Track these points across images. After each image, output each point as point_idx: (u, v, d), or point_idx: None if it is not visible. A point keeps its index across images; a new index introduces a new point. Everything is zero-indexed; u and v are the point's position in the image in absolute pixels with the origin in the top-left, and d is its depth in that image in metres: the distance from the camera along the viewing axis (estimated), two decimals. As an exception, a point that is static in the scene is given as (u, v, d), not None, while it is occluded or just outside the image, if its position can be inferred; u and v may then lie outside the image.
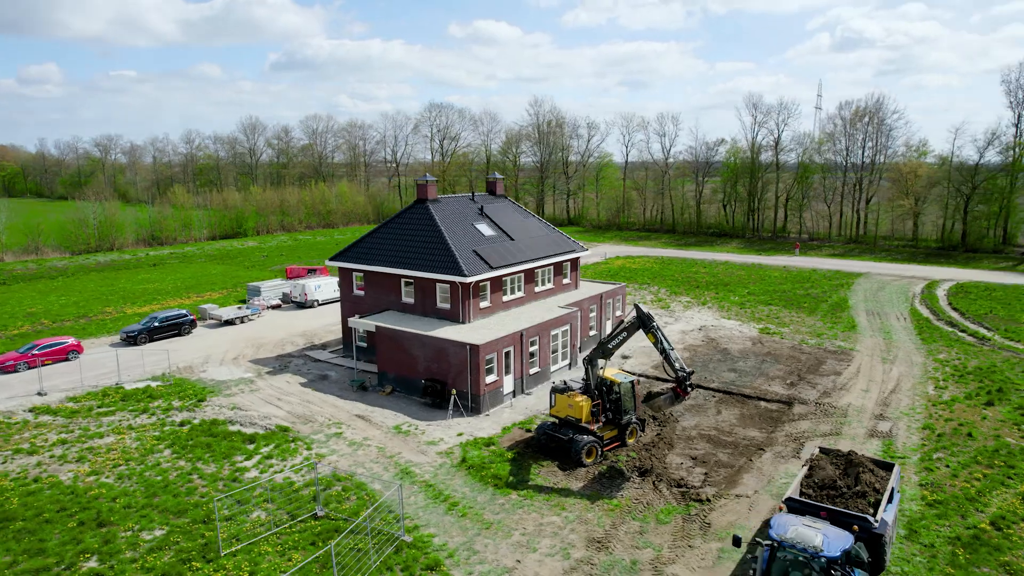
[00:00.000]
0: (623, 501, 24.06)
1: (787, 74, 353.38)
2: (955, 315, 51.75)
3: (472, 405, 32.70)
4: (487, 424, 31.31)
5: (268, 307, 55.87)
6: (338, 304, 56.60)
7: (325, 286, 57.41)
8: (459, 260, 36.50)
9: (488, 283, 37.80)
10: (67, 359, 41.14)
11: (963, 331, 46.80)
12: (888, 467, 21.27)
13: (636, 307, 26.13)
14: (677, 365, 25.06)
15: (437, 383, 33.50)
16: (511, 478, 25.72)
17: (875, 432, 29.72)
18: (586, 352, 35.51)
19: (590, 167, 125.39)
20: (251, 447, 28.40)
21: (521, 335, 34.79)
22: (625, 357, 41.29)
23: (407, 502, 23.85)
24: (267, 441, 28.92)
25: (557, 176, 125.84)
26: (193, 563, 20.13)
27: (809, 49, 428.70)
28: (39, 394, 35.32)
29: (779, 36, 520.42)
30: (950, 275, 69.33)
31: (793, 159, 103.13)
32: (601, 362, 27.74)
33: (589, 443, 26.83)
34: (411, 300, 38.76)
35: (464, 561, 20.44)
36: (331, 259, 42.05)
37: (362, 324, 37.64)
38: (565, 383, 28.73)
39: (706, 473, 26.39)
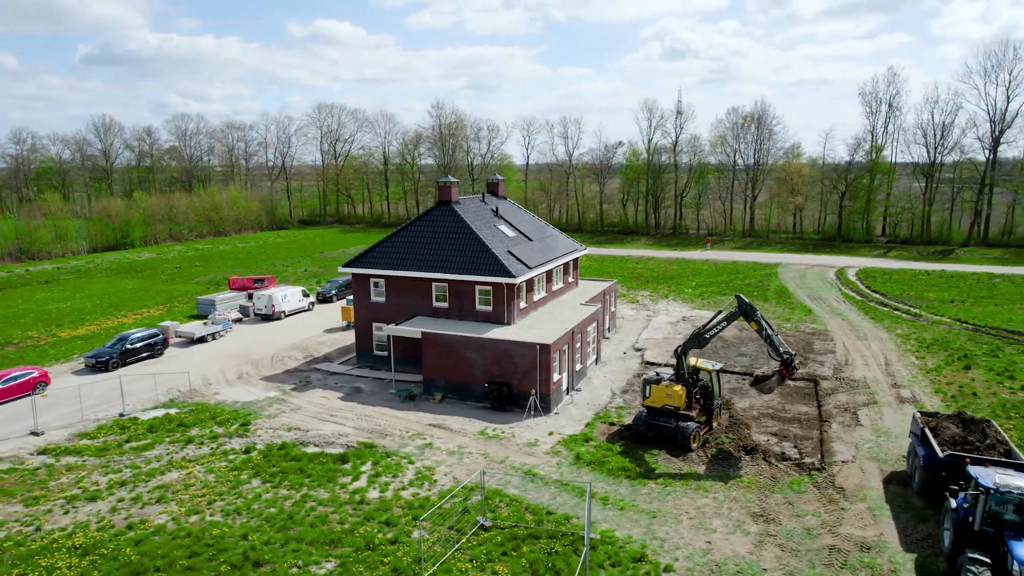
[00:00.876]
0: (751, 478, 25.67)
1: (624, 80, 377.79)
2: (879, 296, 59.32)
3: (542, 404, 32.82)
4: (564, 422, 31.62)
5: (230, 320, 51.44)
6: (303, 315, 53.81)
7: (290, 296, 53.91)
8: (503, 261, 36.34)
9: (525, 283, 37.95)
10: (34, 392, 35.61)
11: (896, 309, 53.86)
12: (987, 423, 24.70)
13: (738, 297, 27.93)
14: (782, 349, 27.15)
15: (502, 386, 33.19)
16: (637, 469, 26.41)
17: (903, 398, 33.83)
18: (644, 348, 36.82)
19: (492, 169, 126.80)
20: (347, 467, 26.62)
21: (572, 333, 35.40)
22: (638, 350, 43.15)
23: (557, 502, 23.78)
24: (361, 459, 27.20)
25: (461, 178, 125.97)
26: (397, 589, 18.89)
27: (642, 57, 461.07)
28: (33, 433, 30.39)
29: (616, 44, 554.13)
30: (847, 262, 78.85)
31: (685, 161, 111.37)
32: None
33: (695, 429, 28.21)
34: (444, 304, 37.86)
35: (661, 549, 20.95)
36: (346, 265, 39.89)
37: (403, 332, 36.21)
38: (657, 374, 29.89)
39: (795, 446, 28.76)
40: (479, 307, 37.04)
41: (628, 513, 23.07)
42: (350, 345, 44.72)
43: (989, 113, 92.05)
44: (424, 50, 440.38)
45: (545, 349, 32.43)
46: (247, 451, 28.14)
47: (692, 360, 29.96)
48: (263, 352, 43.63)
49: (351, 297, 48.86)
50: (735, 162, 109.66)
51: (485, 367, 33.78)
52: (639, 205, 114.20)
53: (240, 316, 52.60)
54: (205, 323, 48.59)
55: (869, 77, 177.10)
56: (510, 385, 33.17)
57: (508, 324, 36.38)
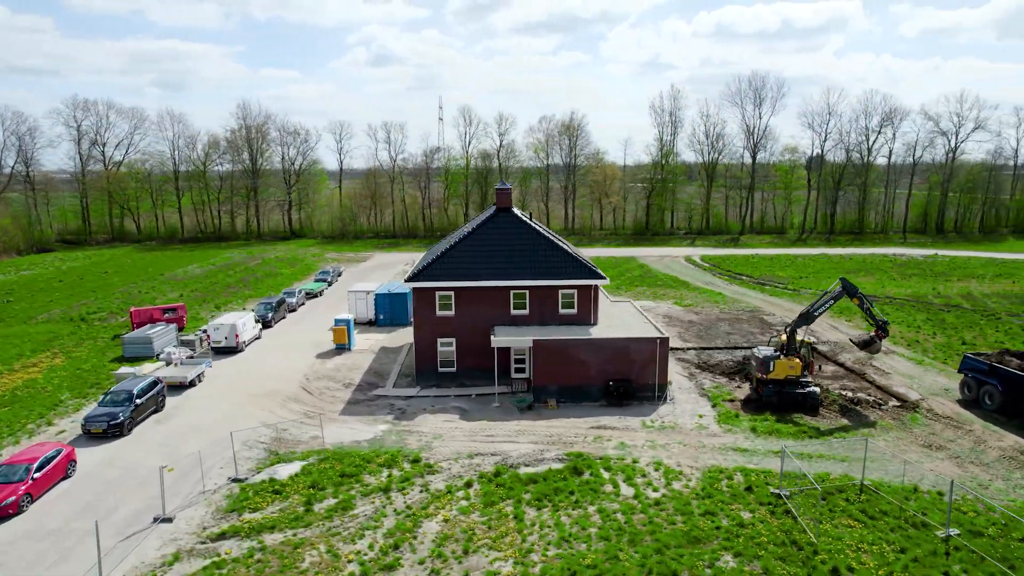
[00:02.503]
0: (884, 422, 31.89)
1: (334, 84, 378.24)
2: (747, 277, 72.08)
3: (659, 395, 35.33)
4: (691, 406, 34.52)
5: (181, 360, 43.01)
6: (257, 343, 47.41)
7: (248, 323, 46.79)
8: (588, 264, 37.71)
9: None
10: (68, 475, 27.16)
11: (773, 287, 66.40)
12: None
13: (843, 280, 33.93)
14: (879, 318, 33.91)
15: (624, 382, 34.85)
16: (808, 430, 30.82)
17: (885, 350, 43.55)
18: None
19: (307, 176, 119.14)
20: (588, 476, 26.41)
21: (657, 326, 38.37)
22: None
23: (814, 467, 27.13)
24: (590, 468, 27.05)
25: (276, 184, 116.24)
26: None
27: (349, 62, 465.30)
28: (164, 520, 23.80)
29: (321, 47, 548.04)
30: (676, 252, 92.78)
31: (513, 165, 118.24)
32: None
33: (819, 393, 33.60)
34: (524, 311, 37.73)
35: (913, 481, 25.71)
36: (409, 279, 37.05)
37: (514, 342, 35.37)
38: (774, 351, 34.57)
39: (869, 393, 35.90)
40: (563, 311, 37.85)
41: (854, 464, 27.39)
42: (377, 367, 41.40)
43: (748, 127, 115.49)
44: (96, 39, 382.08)
45: (664, 342, 35.05)
46: (468, 484, 25.98)
47: (799, 336, 35.31)
48: (284, 388, 38.09)
49: (340, 317, 45.08)
50: (547, 166, 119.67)
51: (602, 366, 35.05)
52: (468, 210, 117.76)
53: (190, 352, 44.19)
54: (179, 365, 40.34)
55: (656, 93, 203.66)
56: (631, 380, 35.03)
57: (594, 324, 37.90)
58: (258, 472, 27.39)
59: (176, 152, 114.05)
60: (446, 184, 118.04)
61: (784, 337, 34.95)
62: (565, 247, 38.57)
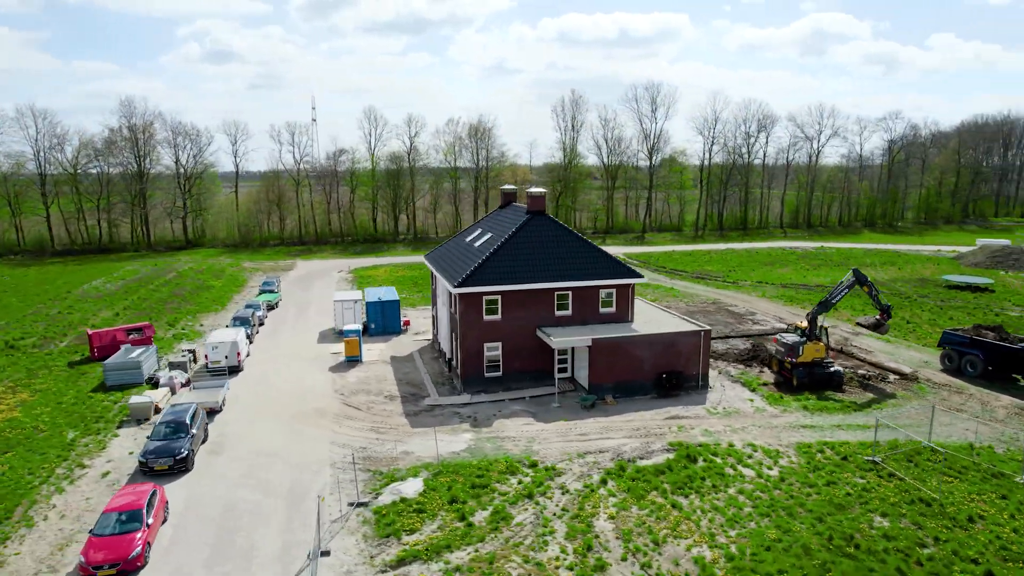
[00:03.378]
0: (902, 393, 36.58)
1: (163, 80, 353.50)
2: (683, 272, 77.49)
3: (701, 384, 37.80)
4: (733, 394, 37.28)
5: (181, 384, 39.13)
6: (248, 359, 44.29)
7: (243, 340, 43.30)
8: (626, 264, 39.29)
9: (625, 283, 41.15)
10: (165, 519, 24.32)
11: (713, 280, 72.10)
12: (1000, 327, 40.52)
13: (855, 271, 38.25)
14: (884, 303, 38.69)
15: (673, 374, 36.89)
16: (852, 405, 34.65)
17: (854, 331, 49.29)
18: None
19: (207, 178, 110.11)
20: (749, 470, 28.12)
21: (691, 320, 40.84)
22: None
23: (884, 436, 30.59)
24: (733, 455, 28.75)
25: (168, 188, 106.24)
26: None
27: (182, 57, 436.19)
28: (323, 554, 22.20)
29: (147, 40, 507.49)
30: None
31: (424, 166, 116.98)
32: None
33: (843, 372, 37.73)
34: (567, 312, 38.56)
35: (975, 441, 30.11)
36: (459, 285, 36.42)
37: (575, 342, 35.99)
38: (799, 337, 38.21)
39: (868, 370, 40.76)
40: (602, 310, 39.18)
41: (909, 429, 31.39)
42: (404, 378, 40.36)
43: (644, 131, 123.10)
44: None
45: (707, 334, 37.57)
46: (603, 481, 26.60)
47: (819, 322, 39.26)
48: (325, 405, 36.06)
49: (350, 328, 43.51)
50: (454, 167, 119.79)
51: (653, 360, 36.86)
52: (378, 213, 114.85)
53: (186, 375, 40.19)
54: (172, 389, 36.89)
55: (558, 97, 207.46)
56: (681, 372, 37.17)
57: (631, 321, 39.61)
58: (377, 494, 26.11)
59: (42, 153, 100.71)
60: (352, 188, 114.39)
61: (803, 324, 38.81)
62: (603, 249, 39.96)
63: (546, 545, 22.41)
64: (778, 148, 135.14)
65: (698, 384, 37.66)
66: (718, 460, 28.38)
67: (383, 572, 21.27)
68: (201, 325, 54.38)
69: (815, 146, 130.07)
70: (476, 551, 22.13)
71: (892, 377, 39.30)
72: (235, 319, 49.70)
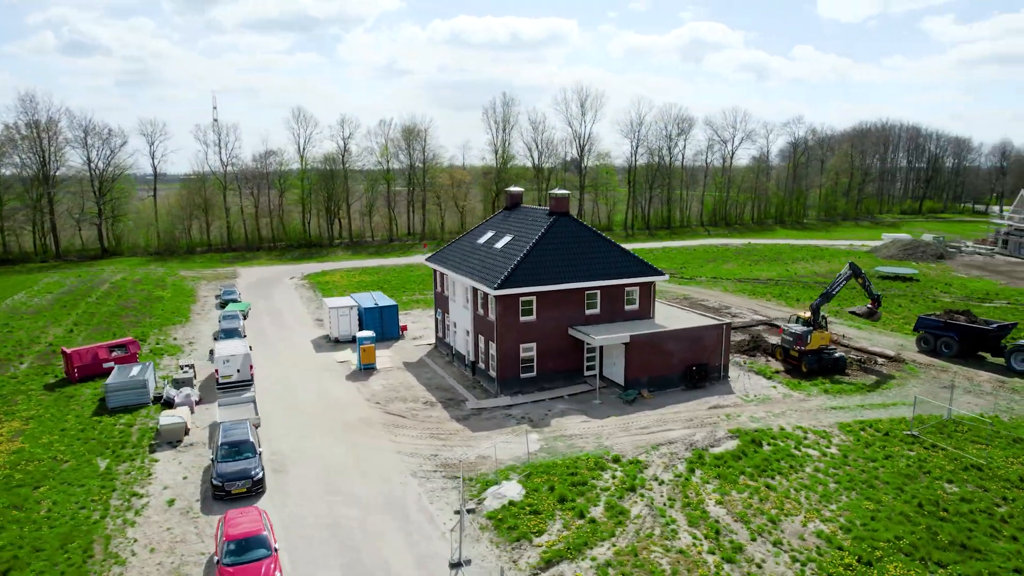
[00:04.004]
0: (897, 374, 40.33)
1: (9, 71, 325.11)
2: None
3: (723, 375, 39.90)
4: (752, 382, 39.67)
5: (196, 402, 36.57)
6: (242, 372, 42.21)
7: (250, 354, 40.86)
8: (648, 263, 40.72)
9: (640, 281, 42.55)
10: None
11: (672, 276, 75.45)
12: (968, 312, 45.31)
13: (851, 264, 41.67)
14: (875, 292, 42.45)
15: (701, 366, 38.70)
16: (862, 386, 37.85)
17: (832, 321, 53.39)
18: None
19: (124, 181, 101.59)
20: (810, 450, 29.95)
21: (708, 314, 42.87)
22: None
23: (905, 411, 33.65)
24: (790, 439, 30.57)
25: (75, 192, 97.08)
26: None
27: (35, 47, 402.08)
28: (465, 563, 21.88)
29: None
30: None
31: (359, 168, 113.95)
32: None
33: (845, 357, 41.06)
34: (595, 311, 39.44)
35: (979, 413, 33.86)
36: (499, 287, 36.33)
37: (614, 339, 36.81)
38: (805, 327, 41.16)
39: (858, 354, 44.55)
40: (627, 307, 40.41)
41: (922, 406, 34.81)
42: (430, 384, 39.85)
43: (574, 134, 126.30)
44: None
45: (728, 327, 39.71)
46: (691, 470, 27.74)
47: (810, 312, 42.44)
48: (367, 414, 34.98)
49: (364, 335, 42.43)
50: (388, 169, 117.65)
51: (682, 354, 38.53)
52: (311, 217, 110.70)
53: (197, 394, 37.56)
54: (189, 407, 34.55)
55: (488, 100, 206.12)
56: (707, 364, 39.07)
57: (652, 318, 41.13)
58: (480, 500, 25.89)
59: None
60: (281, 191, 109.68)
61: (805, 314, 41.92)
62: (629, 250, 41.24)
63: (676, 534, 23.24)
64: (696, 150, 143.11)
65: (720, 375, 39.76)
66: (780, 443, 30.30)
67: (535, 574, 21.29)
68: (175, 339, 50.69)
69: (729, 148, 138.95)
70: (614, 545, 22.60)
71: (880, 360, 43.22)
72: (224, 331, 46.80)
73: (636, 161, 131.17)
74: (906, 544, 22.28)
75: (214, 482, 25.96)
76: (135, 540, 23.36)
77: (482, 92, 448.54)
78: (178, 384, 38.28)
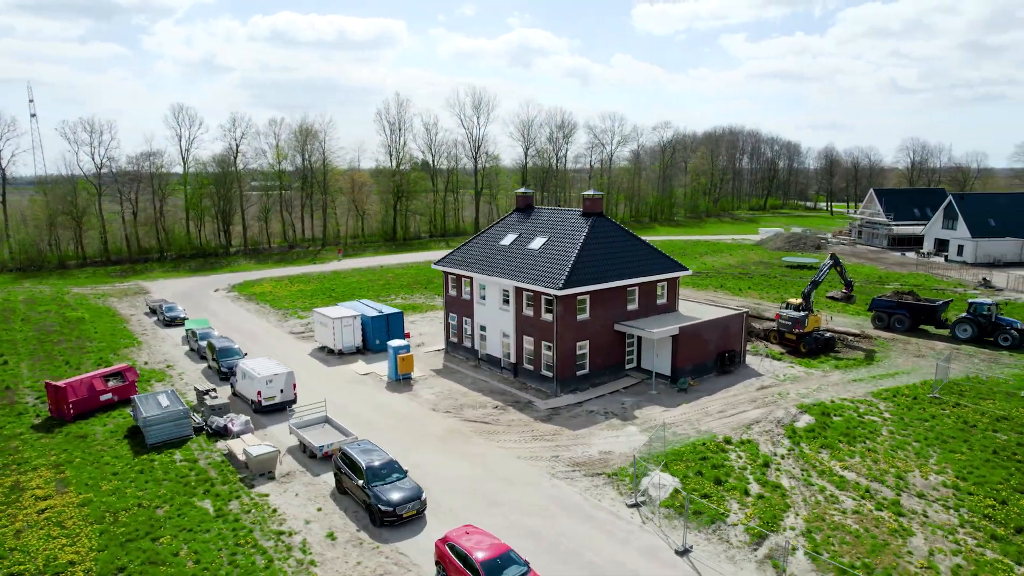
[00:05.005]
0: (876, 349, 46.58)
1: None
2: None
3: (740, 360, 43.64)
4: (770, 364, 43.87)
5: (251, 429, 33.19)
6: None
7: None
8: (674, 260, 43.30)
9: (658, 277, 45.02)
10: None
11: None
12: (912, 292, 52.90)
13: (832, 255, 47.33)
14: (848, 279, 48.57)
15: (729, 353, 42.09)
16: (858, 361, 43.38)
17: (834, 297, 59.64)
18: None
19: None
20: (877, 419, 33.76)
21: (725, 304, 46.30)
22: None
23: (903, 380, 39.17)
24: (847, 409, 34.29)
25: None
26: None
27: None
28: (686, 551, 22.76)
29: None
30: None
31: (253, 169, 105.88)
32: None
33: (835, 337, 46.63)
34: (635, 306, 41.31)
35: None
36: (563, 287, 36.79)
37: (668, 332, 38.71)
38: (799, 312, 46.09)
39: (838, 332, 50.67)
40: (658, 301, 42.75)
41: (916, 374, 40.82)
42: (482, 388, 39.51)
43: (469, 135, 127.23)
44: None
45: (746, 316, 43.49)
46: (796, 444, 30.57)
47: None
48: (450, 424, 34.04)
49: (398, 344, 41.13)
50: (279, 172, 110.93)
51: (715, 342, 41.65)
52: (205, 224, 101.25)
53: (244, 418, 34.03)
54: (241, 434, 31.51)
55: (382, 101, 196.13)
56: (733, 350, 42.52)
57: (678, 311, 43.85)
58: (643, 492, 26.69)
59: None
60: (162, 197, 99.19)
61: (795, 301, 47.05)
62: (656, 248, 43.56)
63: (837, 498, 25.81)
64: (576, 153, 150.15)
65: (741, 360, 43.49)
66: (844, 414, 34.24)
67: (754, 549, 22.73)
68: (145, 363, 44.91)
69: (608, 151, 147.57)
70: (797, 515, 24.65)
71: (850, 338, 49.59)
72: (222, 350, 42.41)
73: (527, 163, 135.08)
74: (1016, 483, 26.71)
75: (382, 507, 24.24)
76: (331, 579, 21.42)
77: (310, 92, 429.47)
78: (217, 411, 34.42)
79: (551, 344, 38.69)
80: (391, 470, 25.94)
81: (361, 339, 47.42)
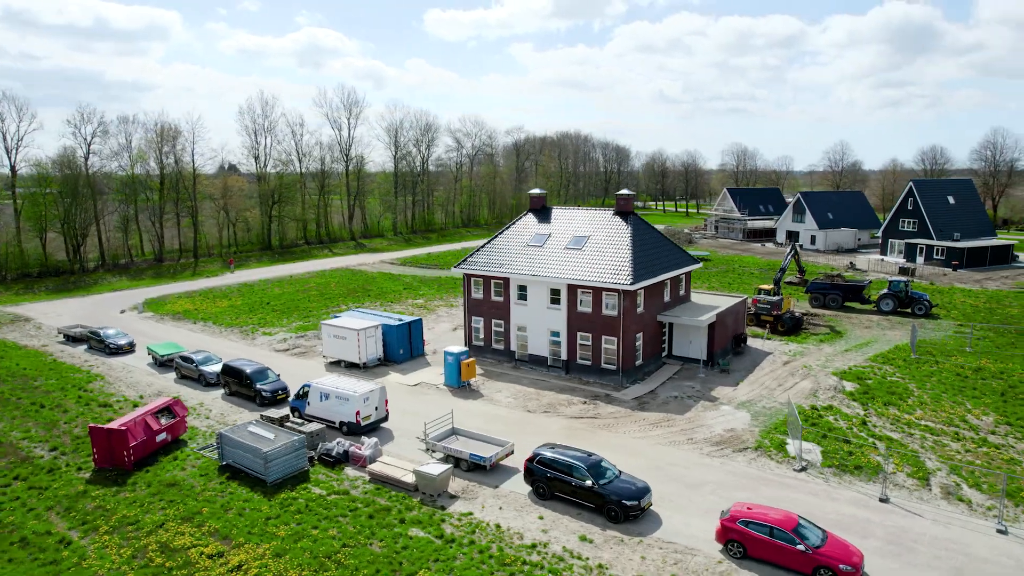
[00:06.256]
0: (841, 325, 54.57)
1: None
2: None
3: (746, 341, 48.79)
4: (764, 343, 49.50)
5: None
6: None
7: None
8: (691, 254, 46.96)
9: (666, 271, 48.45)
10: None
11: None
12: (839, 275, 61.88)
13: (793, 244, 54.40)
14: (802, 266, 56.12)
15: (740, 335, 46.95)
16: (830, 336, 50.73)
17: (792, 282, 66.45)
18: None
19: None
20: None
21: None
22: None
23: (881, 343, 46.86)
24: (868, 378, 40.15)
25: None
26: None
27: None
28: (884, 499, 26.11)
29: None
30: (356, 261, 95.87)
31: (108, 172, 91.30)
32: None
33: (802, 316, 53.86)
34: (667, 298, 44.32)
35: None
36: (632, 283, 38.44)
37: (707, 320, 42.00)
38: (775, 296, 52.48)
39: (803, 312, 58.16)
40: (680, 293, 46.22)
41: (881, 343, 48.95)
42: (548, 388, 40.06)
43: (338, 137, 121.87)
44: None
45: (746, 300, 48.66)
46: (864, 406, 35.72)
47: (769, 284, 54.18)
48: (552, 425, 34.27)
49: (455, 351, 40.36)
50: (132, 175, 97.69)
51: (733, 326, 46.20)
52: (46, 237, 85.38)
53: (376, 444, 31.18)
54: (372, 458, 29.71)
55: (244, 100, 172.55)
56: (743, 332, 47.40)
57: (690, 300, 47.71)
58: (802, 458, 29.72)
59: None
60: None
61: (766, 286, 53.62)
62: (675, 244, 46.89)
63: (943, 443, 30.99)
64: (436, 156, 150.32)
65: (743, 339, 48.67)
66: (871, 378, 40.41)
67: (928, 490, 26.80)
68: (141, 397, 38.38)
69: (467, 153, 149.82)
70: (939, 455, 29.29)
71: (807, 316, 57.42)
72: (255, 373, 37.86)
73: (397, 166, 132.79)
74: (1042, 415, 34.16)
75: (626, 503, 24.42)
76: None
77: (61, 85, 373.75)
78: (315, 437, 31.09)
79: (614, 338, 40.32)
80: (607, 468, 26.12)
81: (382, 350, 44.89)
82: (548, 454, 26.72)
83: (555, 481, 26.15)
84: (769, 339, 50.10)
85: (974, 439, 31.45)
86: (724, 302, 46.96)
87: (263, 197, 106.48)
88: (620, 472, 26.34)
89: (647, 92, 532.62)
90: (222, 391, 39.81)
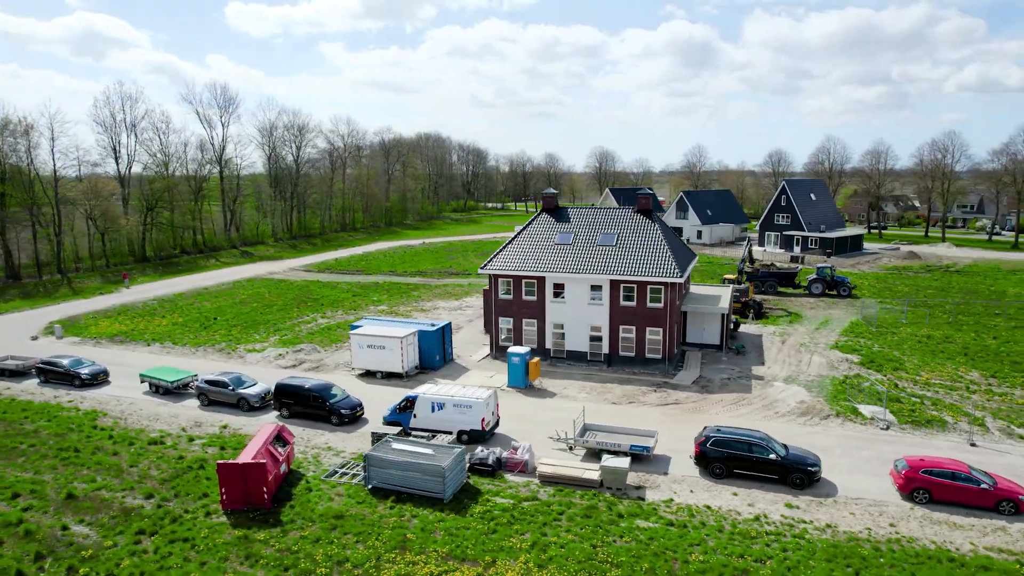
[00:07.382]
0: (791, 308, 61.57)
1: None
2: (411, 273, 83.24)
3: (737, 325, 53.64)
4: (744, 326, 54.75)
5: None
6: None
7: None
8: (692, 251, 50.70)
9: (664, 265, 51.73)
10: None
11: (438, 273, 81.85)
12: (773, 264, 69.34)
13: (748, 239, 60.56)
14: (754, 259, 62.61)
15: (737, 322, 51.72)
16: (797, 317, 57.48)
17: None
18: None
19: None
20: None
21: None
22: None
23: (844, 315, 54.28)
24: (873, 346, 46.39)
25: None
26: None
27: None
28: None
29: None
30: (245, 271, 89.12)
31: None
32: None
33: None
34: (686, 289, 47.63)
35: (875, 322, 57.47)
36: (681, 275, 40.95)
37: (720, 308, 45.77)
38: (742, 285, 58.24)
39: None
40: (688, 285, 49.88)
41: (842, 318, 56.53)
42: (616, 382, 41.50)
43: (211, 138, 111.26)
44: None
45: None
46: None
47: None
48: (654, 415, 35.84)
49: (519, 351, 40.60)
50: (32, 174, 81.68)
51: (730, 312, 50.78)
52: None
53: (529, 447, 30.14)
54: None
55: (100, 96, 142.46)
56: (736, 319, 52.16)
57: (691, 291, 51.55)
58: (884, 418, 34.18)
59: None
60: None
61: (731, 276, 59.45)
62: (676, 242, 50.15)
63: (968, 396, 37.29)
64: (308, 159, 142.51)
65: (738, 326, 53.57)
66: (863, 348, 46.86)
67: (991, 433, 32.47)
68: (184, 428, 33.47)
69: (340, 156, 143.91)
70: (976, 407, 35.27)
71: (758, 299, 64.05)
72: (322, 388, 34.76)
73: (271, 168, 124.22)
74: (1012, 367, 42.16)
75: (811, 468, 26.86)
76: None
77: None
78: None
79: (659, 328, 42.70)
80: (777, 443, 28.29)
81: (417, 358, 43.09)
82: (724, 435, 28.33)
83: (734, 460, 27.83)
84: (749, 322, 55.57)
85: (984, 390, 38.29)
86: (720, 291, 51.43)
87: (144, 202, 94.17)
88: (785, 447, 28.72)
89: (463, 95, 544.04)
90: (275, 414, 35.90)
